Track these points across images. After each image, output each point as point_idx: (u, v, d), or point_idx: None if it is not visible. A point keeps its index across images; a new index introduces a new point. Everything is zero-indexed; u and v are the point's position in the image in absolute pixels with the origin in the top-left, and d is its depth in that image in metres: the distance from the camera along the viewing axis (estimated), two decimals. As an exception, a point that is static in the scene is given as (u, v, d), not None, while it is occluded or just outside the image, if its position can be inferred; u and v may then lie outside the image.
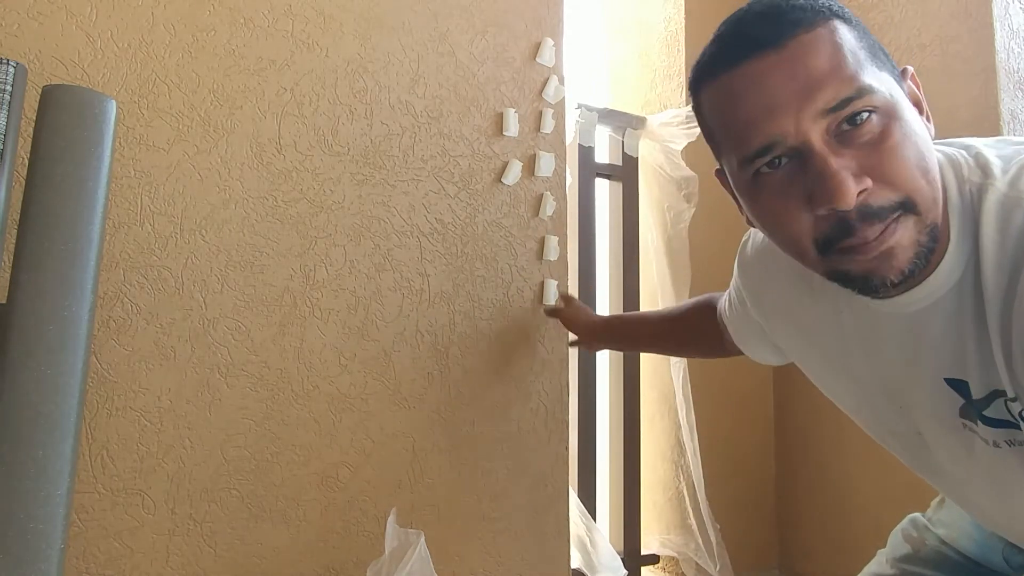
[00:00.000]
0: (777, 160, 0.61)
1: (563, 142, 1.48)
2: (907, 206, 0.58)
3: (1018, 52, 1.55)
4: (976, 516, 0.84)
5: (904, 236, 0.59)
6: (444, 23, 1.37)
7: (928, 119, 0.63)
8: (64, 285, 0.81)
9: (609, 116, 1.83)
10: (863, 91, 0.57)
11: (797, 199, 0.60)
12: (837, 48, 0.58)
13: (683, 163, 1.79)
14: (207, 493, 1.11)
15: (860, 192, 0.57)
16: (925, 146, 0.60)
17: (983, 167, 0.64)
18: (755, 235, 0.87)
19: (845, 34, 0.60)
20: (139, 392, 1.08)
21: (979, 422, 0.67)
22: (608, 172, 1.84)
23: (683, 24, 1.97)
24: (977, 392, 0.65)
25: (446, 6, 1.37)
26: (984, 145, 0.66)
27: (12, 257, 0.81)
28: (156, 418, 1.09)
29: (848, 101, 0.57)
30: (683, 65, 1.95)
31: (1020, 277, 0.58)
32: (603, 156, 1.84)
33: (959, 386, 0.67)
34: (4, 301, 0.80)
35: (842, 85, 0.57)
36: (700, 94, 0.67)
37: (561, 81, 1.48)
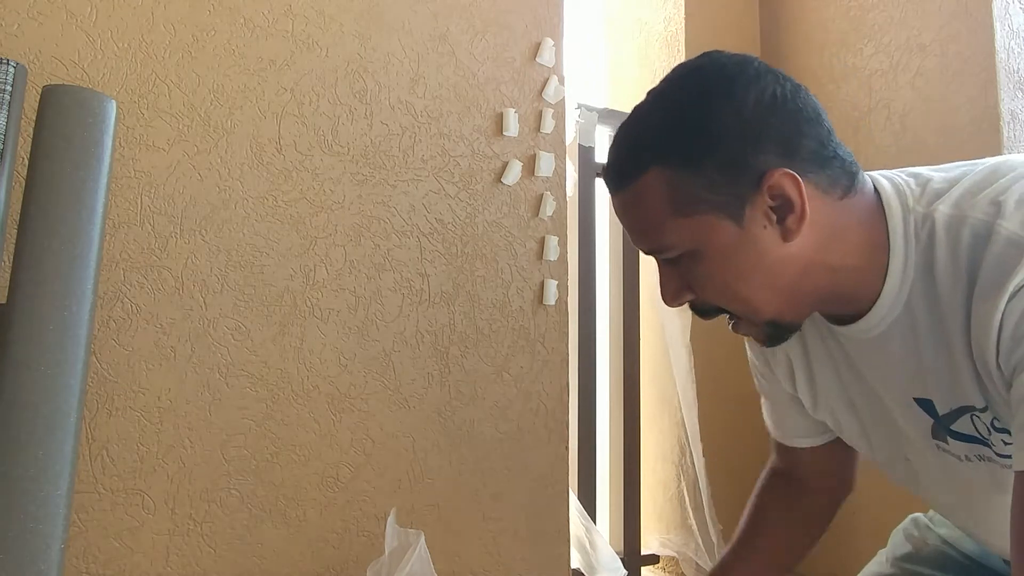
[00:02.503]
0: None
1: (563, 142, 1.48)
2: (729, 313, 0.71)
3: (1018, 52, 1.55)
4: (969, 531, 0.86)
5: (743, 328, 0.73)
6: (444, 23, 1.37)
7: (801, 216, 0.65)
8: (64, 285, 0.81)
9: (609, 116, 1.83)
10: (662, 247, 0.69)
11: None
12: (644, 208, 0.69)
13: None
14: (207, 493, 1.11)
15: (683, 301, 0.72)
16: (746, 268, 0.67)
17: (928, 193, 0.67)
18: None
19: (655, 189, 0.67)
20: (139, 392, 1.08)
21: (948, 438, 0.70)
22: (608, 172, 1.83)
23: (683, 24, 1.97)
24: (942, 408, 0.68)
25: (446, 6, 1.37)
26: (933, 171, 0.70)
27: (12, 257, 0.81)
28: (156, 418, 1.09)
29: (656, 252, 0.71)
30: (683, 65, 1.95)
31: (976, 287, 0.60)
32: (603, 156, 1.83)
33: (926, 405, 0.70)
34: (4, 301, 0.80)
35: (650, 240, 0.70)
36: None
37: (561, 81, 1.48)
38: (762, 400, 0.96)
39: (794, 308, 0.70)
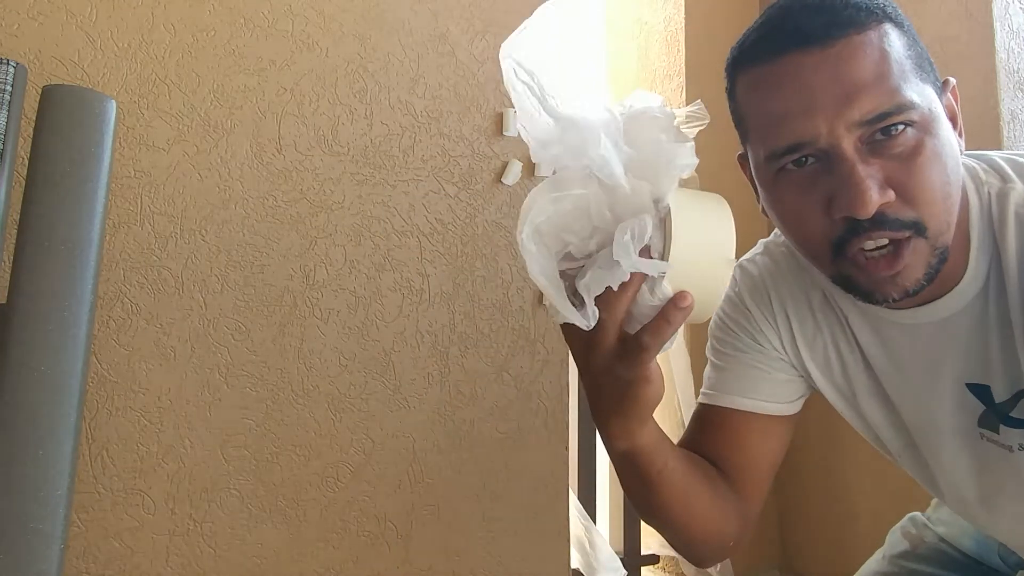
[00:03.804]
0: (804, 159, 0.60)
1: (563, 142, 1.48)
2: (919, 228, 0.58)
3: (1018, 52, 1.55)
4: (985, 529, 0.83)
5: (913, 259, 0.59)
6: (444, 23, 1.37)
7: (961, 134, 0.62)
8: (64, 285, 0.81)
9: (609, 116, 1.83)
10: (903, 106, 0.57)
11: (818, 200, 0.60)
12: (884, 56, 0.57)
13: (683, 163, 1.79)
14: (207, 493, 1.11)
15: (887, 199, 0.57)
16: (952, 166, 0.60)
17: (999, 172, 0.64)
18: (747, 268, 0.83)
19: (895, 41, 0.58)
20: (139, 392, 1.08)
21: (1002, 426, 0.67)
22: (608, 172, 1.84)
23: (683, 24, 1.97)
24: (1000, 395, 0.65)
25: (446, 6, 1.37)
26: (996, 155, 0.68)
27: (12, 257, 0.81)
28: (156, 418, 1.09)
29: (886, 115, 0.57)
30: (683, 65, 1.95)
31: None
32: (603, 156, 1.84)
33: (981, 391, 0.67)
34: (4, 301, 0.80)
35: (883, 97, 0.57)
36: (736, 77, 0.66)
37: (561, 81, 1.48)
38: (713, 366, 0.81)
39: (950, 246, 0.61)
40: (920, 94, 0.58)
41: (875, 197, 0.56)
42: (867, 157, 0.58)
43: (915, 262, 0.59)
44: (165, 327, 1.10)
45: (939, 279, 0.63)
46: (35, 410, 0.78)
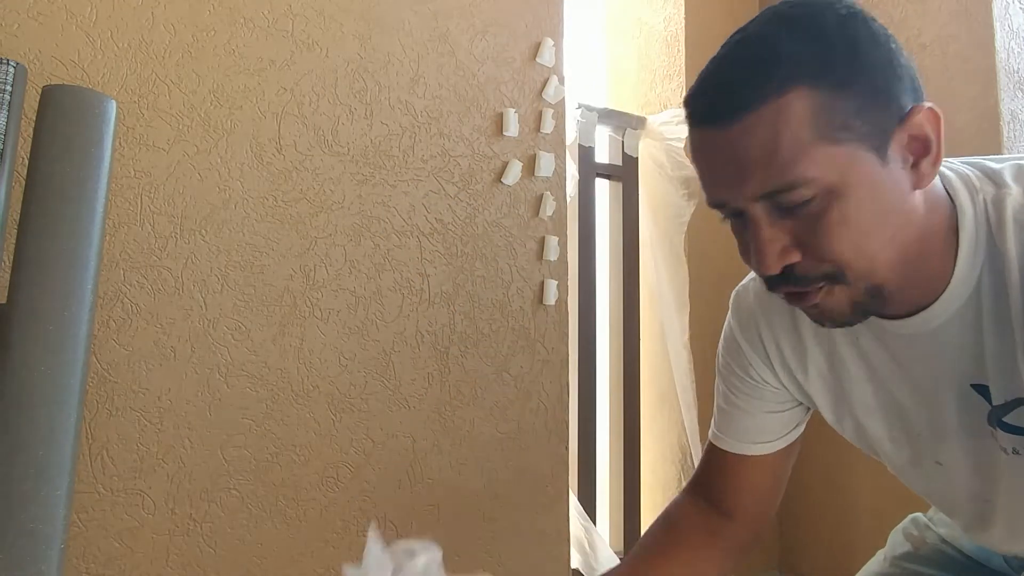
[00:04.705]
0: (729, 213, 0.64)
1: (563, 142, 1.48)
2: (834, 278, 0.60)
3: (1018, 52, 1.55)
4: (991, 539, 0.83)
5: (829, 300, 0.62)
6: (444, 23, 1.37)
7: (935, 160, 0.61)
8: (64, 285, 0.81)
9: (609, 116, 1.83)
10: (794, 183, 0.58)
11: (745, 249, 0.64)
12: (776, 134, 0.58)
13: (684, 162, 1.79)
14: (207, 493, 1.11)
15: (789, 261, 0.60)
16: (878, 215, 0.60)
17: (992, 177, 0.65)
18: (742, 296, 0.85)
19: (796, 112, 0.58)
20: (139, 392, 1.08)
21: (998, 428, 0.67)
22: (608, 172, 1.84)
23: (683, 24, 1.97)
24: (998, 398, 0.66)
25: (446, 6, 1.37)
26: (989, 160, 0.68)
27: (12, 257, 0.81)
28: (156, 418, 1.09)
29: (776, 192, 0.59)
30: (683, 65, 1.95)
31: None
32: (603, 156, 1.84)
33: (984, 391, 0.67)
34: (4, 301, 0.80)
35: (772, 177, 0.58)
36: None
37: (561, 81, 1.48)
38: (718, 405, 0.87)
39: (897, 276, 0.62)
40: (824, 162, 0.58)
41: (774, 261, 0.60)
42: (775, 219, 0.60)
43: (833, 303, 0.62)
44: (165, 327, 1.10)
45: (924, 289, 0.64)
46: (35, 410, 0.78)
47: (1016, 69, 1.54)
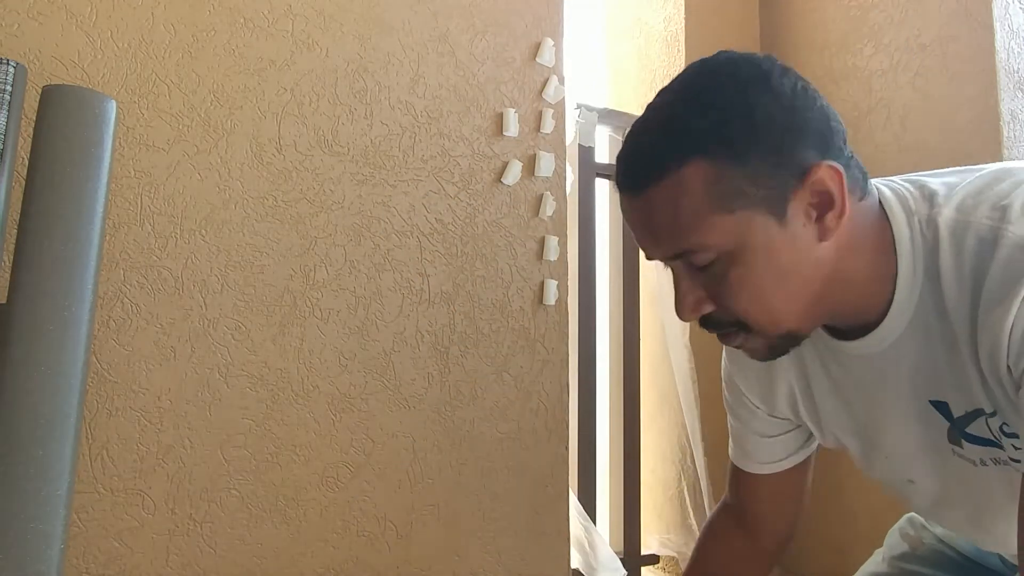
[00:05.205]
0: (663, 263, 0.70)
1: (563, 142, 1.48)
2: (742, 326, 0.67)
3: (1018, 52, 1.55)
4: (976, 542, 0.85)
5: (747, 343, 0.69)
6: (444, 23, 1.37)
7: (841, 213, 0.63)
8: (64, 285, 0.81)
9: (609, 116, 1.83)
10: (695, 247, 0.64)
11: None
12: (676, 205, 0.63)
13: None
14: (207, 493, 1.11)
15: (703, 312, 0.68)
16: (781, 272, 0.64)
17: (928, 197, 0.66)
18: None
19: (693, 183, 0.62)
20: (139, 392, 1.08)
21: (963, 441, 0.69)
22: (608, 172, 1.84)
23: (683, 24, 1.97)
24: (957, 411, 0.67)
25: (446, 6, 1.37)
26: (929, 177, 0.69)
27: (12, 257, 0.81)
28: (156, 418, 1.09)
29: (683, 254, 0.65)
30: (683, 65, 1.95)
31: (981, 297, 0.60)
32: (603, 156, 1.84)
33: (942, 407, 0.69)
34: (4, 301, 0.80)
35: (675, 242, 0.65)
36: None
37: (561, 81, 1.48)
38: (731, 423, 0.93)
39: (812, 318, 0.68)
40: (720, 230, 0.63)
41: (688, 311, 0.68)
42: (692, 274, 0.67)
43: (752, 345, 0.69)
44: (165, 327, 1.10)
45: (867, 312, 0.68)
46: (35, 410, 0.77)
47: (1016, 69, 1.54)
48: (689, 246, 0.64)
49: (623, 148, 0.69)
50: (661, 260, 0.68)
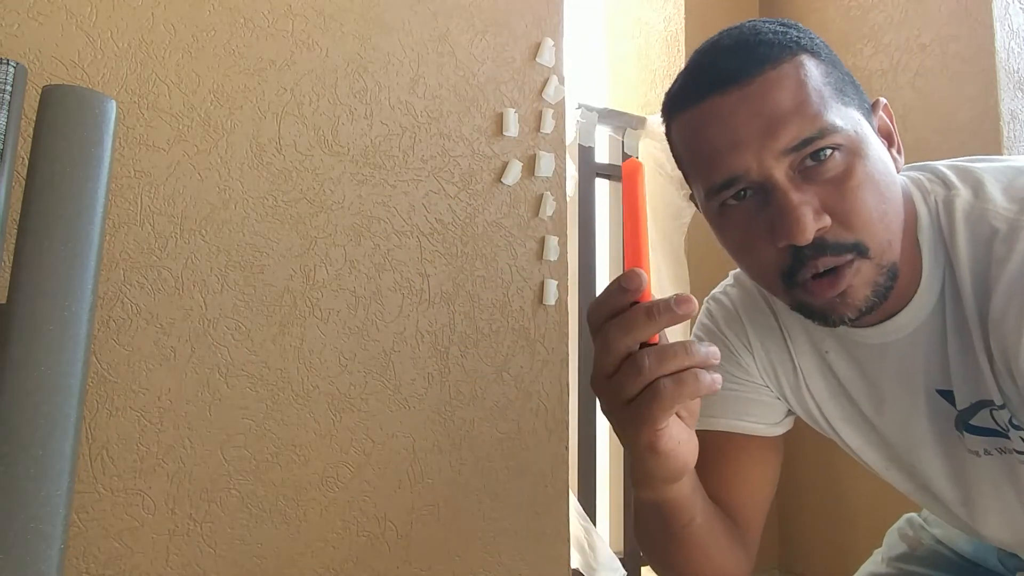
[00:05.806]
0: (742, 192, 0.62)
1: (563, 142, 1.48)
2: (860, 249, 0.60)
3: (1018, 52, 1.55)
4: (974, 533, 0.84)
5: (858, 279, 0.60)
6: (444, 23, 1.37)
7: (899, 151, 0.63)
8: (64, 285, 0.81)
9: (609, 116, 1.83)
10: (826, 130, 0.58)
11: (761, 232, 0.61)
12: (802, 85, 0.59)
13: (683, 163, 1.79)
14: (207, 493, 1.11)
15: (819, 229, 0.59)
16: (888, 184, 0.61)
17: (943, 180, 0.66)
18: (716, 302, 0.84)
19: (812, 70, 0.60)
20: (139, 392, 1.08)
21: (966, 433, 0.68)
22: (608, 172, 1.84)
23: (683, 24, 1.97)
24: (961, 403, 0.67)
25: (446, 6, 1.37)
26: (938, 163, 0.69)
27: (12, 257, 0.81)
28: (156, 418, 1.09)
29: (810, 140, 0.58)
30: (683, 65, 1.95)
31: (998, 288, 0.59)
32: (603, 156, 1.84)
33: (949, 396, 0.68)
34: (4, 301, 0.80)
35: (805, 124, 0.58)
36: (671, 123, 0.68)
37: (561, 81, 1.48)
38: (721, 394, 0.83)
39: (900, 264, 0.62)
40: (843, 117, 0.59)
41: (810, 223, 0.58)
42: (800, 184, 0.59)
43: (859, 282, 0.60)
44: (165, 327, 1.10)
45: (896, 294, 0.64)
46: (35, 410, 0.77)
47: (1016, 69, 1.54)
48: (820, 127, 0.58)
49: (706, 53, 0.64)
50: (766, 166, 0.59)
